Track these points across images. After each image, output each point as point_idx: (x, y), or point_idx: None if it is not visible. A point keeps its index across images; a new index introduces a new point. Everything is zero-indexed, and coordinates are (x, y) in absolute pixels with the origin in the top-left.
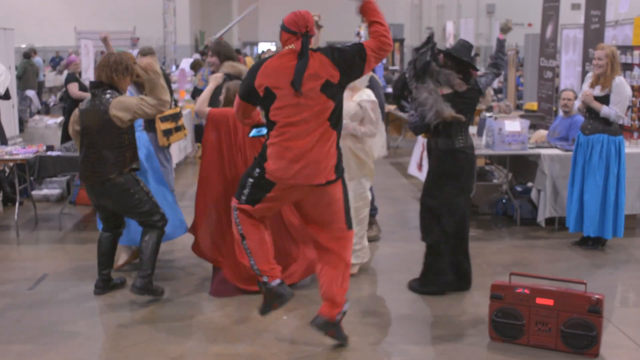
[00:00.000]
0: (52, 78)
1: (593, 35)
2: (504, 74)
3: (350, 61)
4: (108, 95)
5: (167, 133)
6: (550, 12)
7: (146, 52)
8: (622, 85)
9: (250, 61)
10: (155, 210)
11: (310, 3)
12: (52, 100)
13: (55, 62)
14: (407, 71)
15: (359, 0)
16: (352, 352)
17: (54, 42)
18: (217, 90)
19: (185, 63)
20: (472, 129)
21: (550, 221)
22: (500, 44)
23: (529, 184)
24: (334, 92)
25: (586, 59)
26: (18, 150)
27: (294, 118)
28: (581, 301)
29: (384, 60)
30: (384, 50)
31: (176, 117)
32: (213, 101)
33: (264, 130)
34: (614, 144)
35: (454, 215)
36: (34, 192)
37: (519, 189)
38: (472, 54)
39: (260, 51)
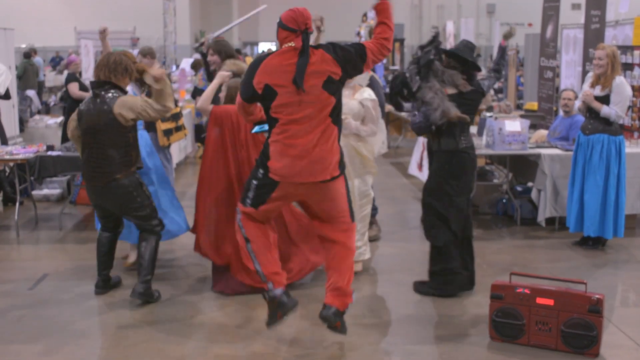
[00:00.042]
0: (52, 78)
1: (593, 35)
2: (504, 74)
3: (352, 60)
4: (111, 94)
5: (168, 133)
6: (551, 12)
7: (146, 52)
8: (622, 85)
9: (250, 61)
10: (154, 215)
11: (310, 3)
12: (52, 100)
13: (56, 62)
14: (407, 70)
15: None
16: (352, 352)
17: (54, 42)
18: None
19: (186, 63)
20: (472, 129)
21: (550, 221)
22: (502, 50)
23: (529, 184)
24: (336, 88)
25: (586, 58)
26: (18, 150)
27: (296, 115)
28: (581, 301)
29: (384, 60)
30: (382, 55)
31: (176, 117)
32: (213, 99)
33: (267, 127)
34: (615, 143)
35: (460, 215)
36: (34, 192)
37: (519, 188)
38: (475, 54)
39: (260, 51)
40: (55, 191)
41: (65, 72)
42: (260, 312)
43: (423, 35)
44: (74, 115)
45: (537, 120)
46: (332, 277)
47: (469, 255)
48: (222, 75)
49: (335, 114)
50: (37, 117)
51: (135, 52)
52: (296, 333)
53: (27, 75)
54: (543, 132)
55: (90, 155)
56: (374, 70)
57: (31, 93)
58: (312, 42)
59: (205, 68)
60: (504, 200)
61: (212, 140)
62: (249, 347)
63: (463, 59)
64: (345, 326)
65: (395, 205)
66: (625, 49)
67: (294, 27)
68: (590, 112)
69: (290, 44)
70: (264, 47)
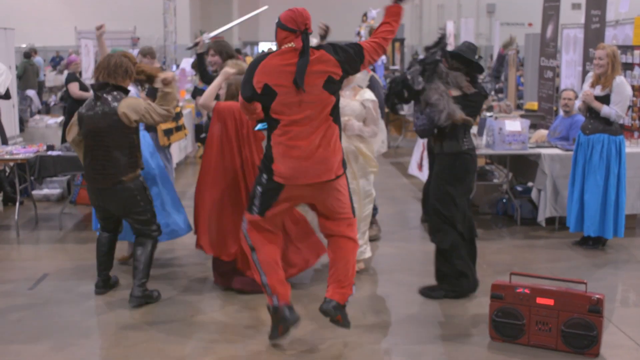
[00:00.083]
0: (52, 78)
1: (593, 35)
2: (505, 73)
3: (352, 61)
4: (113, 96)
5: (168, 133)
6: (551, 11)
7: (146, 52)
8: (622, 85)
9: (250, 61)
10: (153, 220)
11: (310, 3)
12: (52, 100)
13: (56, 62)
14: (409, 72)
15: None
16: (352, 351)
17: (54, 42)
18: None
19: (186, 63)
20: (472, 129)
21: (550, 221)
22: (502, 58)
23: (530, 184)
24: (336, 88)
25: (586, 58)
26: (18, 150)
27: (297, 116)
28: (581, 301)
29: (385, 60)
30: (378, 55)
31: (177, 116)
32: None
33: None
34: (615, 143)
35: (465, 216)
36: (34, 192)
37: (519, 188)
38: (476, 56)
39: (260, 51)
40: (56, 191)
41: (66, 72)
42: (261, 312)
43: (423, 35)
44: (74, 120)
45: (537, 120)
46: (334, 269)
47: (471, 256)
48: (225, 72)
49: (335, 113)
50: (37, 117)
51: (135, 52)
52: (296, 333)
53: (27, 75)
54: (543, 132)
55: (94, 157)
56: (374, 71)
57: (31, 93)
58: (312, 44)
59: (198, 68)
60: (504, 200)
61: (216, 136)
62: (249, 347)
63: (467, 60)
64: (348, 320)
65: (395, 205)
66: (626, 48)
67: (293, 28)
68: (590, 112)
69: (290, 45)
70: (264, 47)
